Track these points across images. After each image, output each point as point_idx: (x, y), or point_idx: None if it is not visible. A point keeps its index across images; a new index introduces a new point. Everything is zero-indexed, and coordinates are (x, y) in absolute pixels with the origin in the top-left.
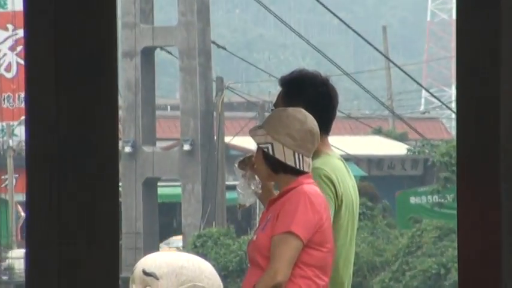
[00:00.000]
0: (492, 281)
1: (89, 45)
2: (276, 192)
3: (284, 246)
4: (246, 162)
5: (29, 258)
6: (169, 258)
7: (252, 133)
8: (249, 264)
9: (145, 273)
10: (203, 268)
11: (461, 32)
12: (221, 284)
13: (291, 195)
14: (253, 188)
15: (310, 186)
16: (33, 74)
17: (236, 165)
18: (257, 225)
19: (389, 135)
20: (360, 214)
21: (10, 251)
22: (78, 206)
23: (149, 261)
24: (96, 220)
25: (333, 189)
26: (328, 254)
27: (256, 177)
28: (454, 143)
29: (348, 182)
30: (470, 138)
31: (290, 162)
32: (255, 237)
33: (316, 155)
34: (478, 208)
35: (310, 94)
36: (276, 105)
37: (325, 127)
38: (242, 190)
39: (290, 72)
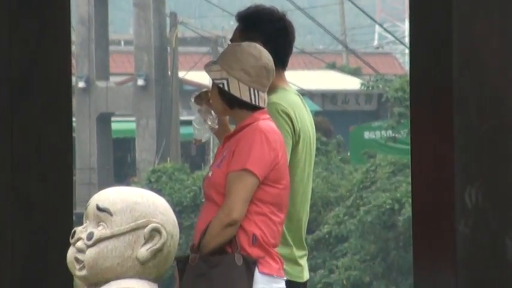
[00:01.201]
0: (445, 214)
1: None
2: (232, 128)
3: (239, 183)
4: (202, 97)
5: None
6: (123, 194)
7: (207, 69)
8: (203, 200)
9: (99, 209)
10: (157, 204)
11: None
12: (175, 219)
13: (247, 132)
14: (209, 123)
15: (265, 123)
16: None
17: (192, 100)
18: (212, 161)
19: (343, 70)
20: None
21: None
22: (30, 140)
23: (103, 197)
24: (49, 155)
25: (290, 124)
26: (283, 190)
27: (212, 112)
28: (408, 78)
29: (305, 117)
30: (422, 72)
31: (245, 97)
32: (210, 174)
33: (272, 89)
34: (431, 141)
35: (267, 29)
36: (232, 40)
37: (282, 62)
38: (198, 125)
39: (247, 8)
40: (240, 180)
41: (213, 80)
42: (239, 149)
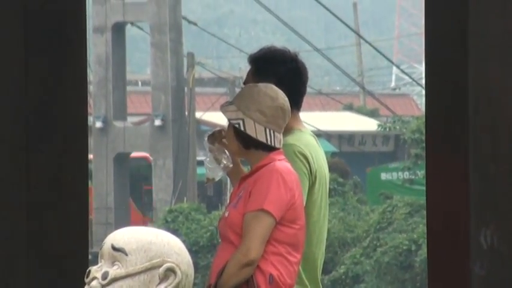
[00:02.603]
0: (460, 255)
1: (58, 17)
2: (246, 169)
3: (257, 223)
4: (216, 136)
5: None
6: (138, 234)
7: (223, 109)
8: (220, 240)
9: (114, 248)
10: (172, 244)
11: (430, 10)
12: (190, 259)
13: (263, 173)
14: (224, 162)
15: (282, 163)
16: (1, 47)
17: (206, 138)
18: (228, 201)
19: (360, 111)
20: (330, 190)
21: None
22: (47, 180)
23: (118, 237)
24: (64, 194)
25: (307, 165)
26: (299, 231)
27: (226, 151)
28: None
29: (321, 158)
30: (438, 115)
31: (261, 138)
32: (226, 214)
33: (288, 131)
34: (447, 183)
35: (279, 70)
36: (246, 82)
37: (296, 103)
38: (210, 164)
39: (259, 49)
40: (257, 220)
41: (228, 120)
42: (256, 190)
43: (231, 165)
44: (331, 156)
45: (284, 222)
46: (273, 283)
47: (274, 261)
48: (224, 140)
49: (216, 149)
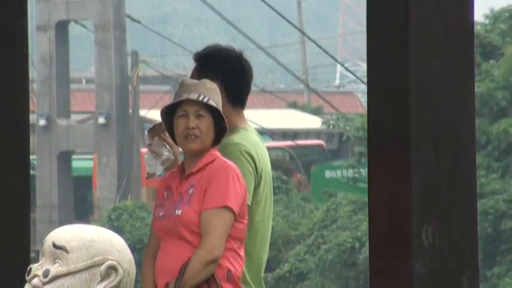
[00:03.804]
0: (402, 253)
1: None
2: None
3: (219, 220)
4: (157, 129)
5: None
6: (79, 232)
7: (205, 96)
8: (163, 239)
9: (55, 246)
10: (114, 241)
11: (372, 8)
12: (132, 257)
13: (217, 169)
14: (165, 155)
15: (229, 160)
16: None
17: (146, 133)
18: (164, 197)
19: (304, 109)
20: (275, 188)
21: None
22: None
23: (59, 234)
24: (6, 193)
25: (253, 165)
26: (246, 226)
27: (166, 145)
28: None
29: (266, 157)
30: (380, 113)
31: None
32: (179, 212)
33: (233, 129)
34: (388, 181)
35: (224, 69)
36: None
37: (241, 101)
38: (149, 160)
39: (204, 48)
40: (220, 217)
41: (213, 109)
42: (213, 186)
43: (172, 158)
44: (275, 154)
45: (237, 218)
46: (230, 278)
47: (230, 257)
48: (164, 135)
49: (156, 143)
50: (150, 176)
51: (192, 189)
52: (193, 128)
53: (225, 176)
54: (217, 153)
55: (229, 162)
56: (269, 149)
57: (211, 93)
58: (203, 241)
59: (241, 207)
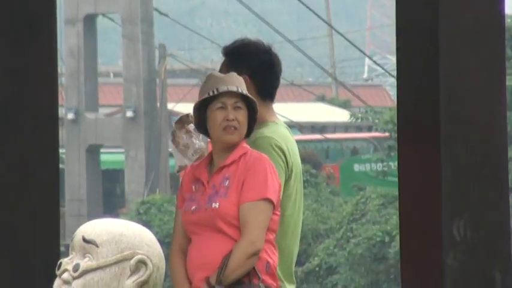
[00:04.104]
0: (433, 246)
1: (28, 10)
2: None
3: (260, 212)
4: (184, 120)
5: None
6: (109, 226)
7: (239, 87)
8: (197, 233)
9: (85, 240)
10: (143, 236)
11: (401, 1)
12: (161, 251)
13: (255, 161)
14: (197, 142)
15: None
16: None
17: (174, 124)
18: (193, 189)
19: (332, 102)
20: (304, 181)
21: None
22: (17, 172)
23: (89, 229)
24: (35, 187)
25: (283, 158)
26: (279, 218)
27: (194, 134)
28: None
29: (296, 150)
30: (410, 106)
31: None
32: (216, 205)
33: (262, 123)
34: (419, 174)
35: (253, 62)
36: None
37: (270, 95)
38: (177, 153)
39: (233, 42)
40: (260, 209)
41: (246, 99)
42: (252, 178)
43: (204, 146)
44: (303, 147)
45: (274, 210)
46: (269, 270)
47: (267, 249)
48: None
49: (185, 134)
50: (181, 168)
51: (227, 181)
52: (232, 119)
53: (263, 168)
54: (247, 145)
55: (263, 154)
56: (299, 142)
57: (243, 85)
58: (244, 233)
59: (277, 199)
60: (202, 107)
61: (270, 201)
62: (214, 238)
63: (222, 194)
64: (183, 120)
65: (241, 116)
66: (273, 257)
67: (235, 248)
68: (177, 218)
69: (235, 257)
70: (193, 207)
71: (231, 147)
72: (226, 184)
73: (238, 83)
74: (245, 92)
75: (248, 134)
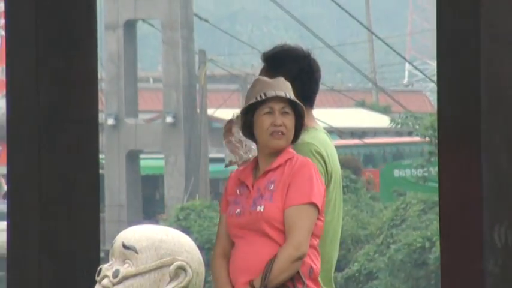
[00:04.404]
0: (473, 252)
1: (69, 17)
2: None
3: (306, 217)
4: (235, 122)
5: (11, 231)
6: (149, 232)
7: (288, 93)
8: (241, 236)
9: (124, 246)
10: (183, 242)
11: (442, 6)
12: (201, 257)
13: (301, 166)
14: (244, 154)
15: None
16: (13, 46)
17: (226, 123)
18: (237, 193)
19: (372, 107)
20: (343, 187)
21: None
22: (58, 178)
23: (129, 235)
24: (76, 192)
25: (323, 164)
26: (323, 223)
27: (245, 144)
28: None
29: (335, 156)
30: (450, 111)
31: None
32: (261, 208)
33: (303, 129)
34: (459, 180)
35: (292, 68)
36: None
37: (309, 100)
38: (227, 150)
39: (272, 48)
40: (305, 213)
41: (294, 104)
42: (298, 183)
43: (251, 158)
44: (343, 153)
45: (318, 215)
46: (311, 275)
47: (311, 254)
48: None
49: (235, 136)
50: (230, 163)
51: (272, 185)
52: (280, 125)
53: (308, 173)
54: (293, 150)
55: (309, 159)
56: (338, 147)
57: (290, 90)
58: (289, 238)
59: (322, 204)
60: (249, 112)
61: (315, 205)
62: (258, 242)
63: (267, 197)
64: (233, 122)
65: (289, 121)
66: (316, 263)
67: (280, 252)
68: (221, 221)
69: (279, 261)
70: (238, 210)
71: (277, 152)
72: (272, 188)
73: (285, 88)
74: (293, 97)
75: (295, 139)
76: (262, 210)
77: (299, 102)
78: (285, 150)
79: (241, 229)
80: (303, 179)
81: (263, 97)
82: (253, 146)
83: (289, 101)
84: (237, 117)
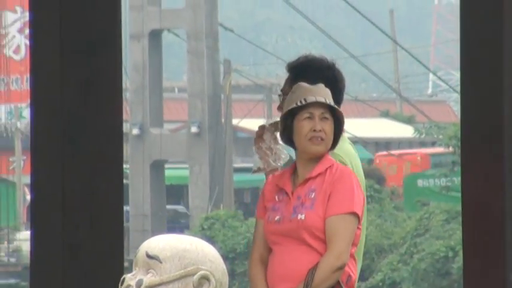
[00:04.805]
0: (496, 263)
1: (93, 26)
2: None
3: (346, 226)
4: (268, 128)
5: (34, 241)
6: (173, 241)
7: (328, 100)
8: (279, 243)
9: (148, 256)
10: (206, 251)
11: (466, 17)
12: (224, 267)
13: (342, 175)
14: (284, 151)
15: None
16: (38, 57)
17: (267, 124)
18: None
19: (396, 118)
20: (367, 197)
21: (18, 233)
22: (82, 187)
23: (152, 244)
24: (99, 202)
25: None
26: (361, 232)
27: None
28: None
29: (359, 166)
30: (474, 121)
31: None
32: (303, 216)
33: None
34: (482, 190)
35: (317, 78)
36: (283, 90)
37: None
38: (257, 156)
39: (297, 58)
40: (347, 222)
41: (334, 110)
42: (339, 192)
43: (288, 159)
44: (368, 163)
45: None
46: (348, 283)
47: (349, 262)
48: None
49: (273, 139)
50: (258, 170)
51: (313, 193)
52: (320, 130)
53: (350, 182)
54: (332, 157)
55: (348, 167)
56: (363, 157)
57: (330, 96)
58: (331, 247)
59: (362, 212)
60: (289, 117)
61: (356, 215)
62: (298, 249)
63: (308, 205)
64: (277, 124)
65: (328, 127)
66: (353, 271)
67: (322, 261)
68: (258, 227)
69: (321, 270)
70: (277, 217)
71: (316, 158)
72: (312, 196)
73: (325, 94)
74: (332, 103)
75: (334, 145)
76: (303, 218)
77: (339, 109)
78: (325, 158)
79: (280, 236)
80: (344, 188)
81: (303, 102)
82: (283, 155)
83: (329, 107)
84: (270, 124)
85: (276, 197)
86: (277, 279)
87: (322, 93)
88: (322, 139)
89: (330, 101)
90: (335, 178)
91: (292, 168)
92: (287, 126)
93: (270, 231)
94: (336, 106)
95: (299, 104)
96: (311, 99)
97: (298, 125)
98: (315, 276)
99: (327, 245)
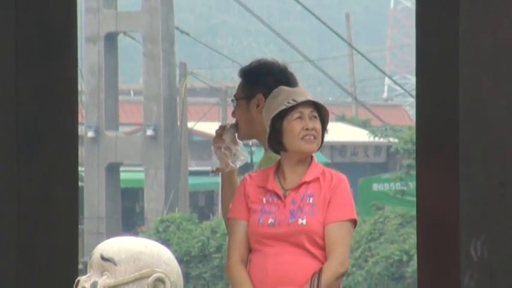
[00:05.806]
0: (450, 266)
1: (49, 29)
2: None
3: (347, 233)
4: (228, 129)
5: None
6: (128, 244)
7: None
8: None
9: (103, 258)
10: (162, 254)
11: (421, 22)
12: (179, 269)
13: (339, 181)
14: (243, 153)
15: None
16: None
17: (218, 128)
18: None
19: (352, 121)
20: None
21: None
22: (37, 190)
23: (107, 246)
24: (54, 204)
25: None
26: None
27: (240, 147)
28: None
29: None
30: (429, 125)
31: None
32: (304, 221)
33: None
34: (437, 194)
35: (268, 82)
36: (236, 95)
37: None
38: (219, 154)
39: (249, 63)
40: (347, 229)
41: (322, 111)
42: (339, 198)
43: (246, 161)
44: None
45: None
46: None
47: None
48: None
49: (232, 140)
50: (217, 171)
51: (311, 198)
52: (312, 129)
53: (347, 188)
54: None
55: (343, 174)
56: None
57: (312, 96)
58: (334, 254)
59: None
60: (278, 120)
61: (354, 221)
62: (293, 253)
63: (307, 211)
64: (227, 129)
65: (318, 125)
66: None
67: (326, 268)
68: (237, 228)
69: (326, 277)
70: (271, 220)
71: (305, 159)
72: (311, 201)
73: (307, 94)
74: (318, 101)
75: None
76: (304, 223)
77: (325, 107)
78: (313, 163)
79: (274, 239)
80: (343, 195)
81: (293, 103)
82: (242, 156)
83: (315, 107)
84: (231, 125)
85: (264, 199)
86: (272, 282)
87: (305, 94)
88: (314, 137)
89: (315, 99)
90: (333, 184)
91: (274, 170)
92: (275, 129)
93: (260, 233)
94: (323, 104)
95: (288, 105)
96: (301, 99)
97: (289, 125)
98: (321, 284)
99: (328, 252)
